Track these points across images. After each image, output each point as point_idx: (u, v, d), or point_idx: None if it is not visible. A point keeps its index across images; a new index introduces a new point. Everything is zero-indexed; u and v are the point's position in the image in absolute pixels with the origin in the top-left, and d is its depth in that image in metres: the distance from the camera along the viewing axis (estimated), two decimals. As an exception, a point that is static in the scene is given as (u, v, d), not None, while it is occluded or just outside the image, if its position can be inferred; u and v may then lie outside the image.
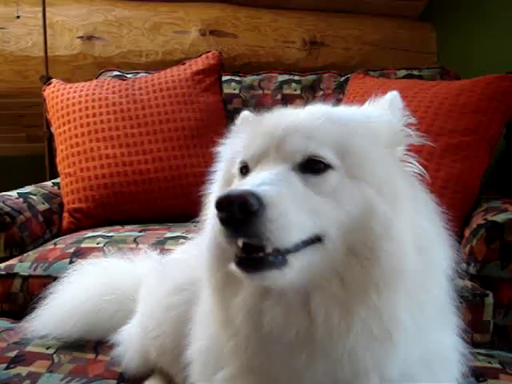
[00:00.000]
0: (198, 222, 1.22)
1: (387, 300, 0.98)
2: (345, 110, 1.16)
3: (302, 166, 1.01)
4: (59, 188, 2.91)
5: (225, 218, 0.91)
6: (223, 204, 0.90)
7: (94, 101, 2.88)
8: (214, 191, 1.18)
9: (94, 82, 3.06)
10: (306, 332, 0.99)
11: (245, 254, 0.94)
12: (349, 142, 1.04)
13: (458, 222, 2.24)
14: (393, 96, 1.18)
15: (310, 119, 1.06)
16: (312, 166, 1.01)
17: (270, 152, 1.03)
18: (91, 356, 1.83)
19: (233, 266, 0.96)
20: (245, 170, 1.08)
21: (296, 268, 0.96)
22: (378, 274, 0.98)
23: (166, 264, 1.69)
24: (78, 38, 3.73)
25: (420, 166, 1.12)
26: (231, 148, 1.17)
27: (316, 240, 0.97)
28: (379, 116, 1.12)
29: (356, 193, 1.00)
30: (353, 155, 1.03)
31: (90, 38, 3.73)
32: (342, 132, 1.05)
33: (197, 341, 1.26)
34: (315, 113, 1.09)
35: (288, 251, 0.94)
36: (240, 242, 0.94)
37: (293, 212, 0.92)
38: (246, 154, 1.08)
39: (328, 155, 1.01)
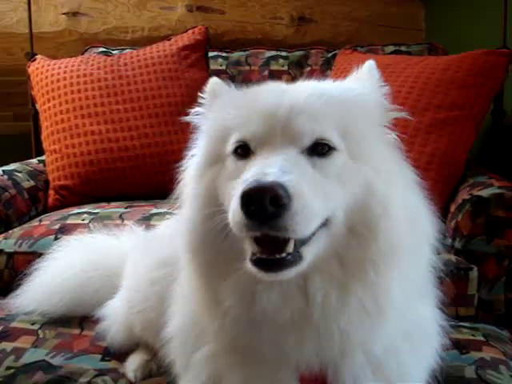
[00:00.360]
0: (177, 198, 1.21)
1: (383, 276, 1.00)
2: (339, 87, 1.15)
3: (309, 149, 1.01)
4: (45, 165, 2.89)
5: (256, 211, 0.87)
6: (254, 197, 0.87)
7: (78, 77, 2.85)
8: (196, 168, 1.13)
9: (79, 57, 3.04)
10: (300, 313, 1.00)
11: (265, 254, 0.93)
12: (349, 123, 1.05)
13: (444, 197, 2.25)
14: (370, 66, 1.20)
15: (312, 99, 1.05)
16: (318, 149, 1.01)
17: (275, 133, 1.01)
18: (76, 331, 1.84)
19: (248, 265, 0.95)
20: (242, 150, 1.04)
21: (309, 259, 0.96)
22: (375, 251, 0.99)
23: (150, 239, 1.69)
24: (63, 14, 3.68)
25: (399, 139, 1.14)
26: (215, 123, 1.13)
27: (323, 224, 0.97)
28: (369, 93, 1.13)
29: (357, 173, 1.01)
30: (353, 136, 1.04)
31: (75, 14, 3.68)
32: (342, 112, 1.05)
33: (176, 318, 1.27)
34: (314, 91, 1.07)
35: (302, 243, 0.94)
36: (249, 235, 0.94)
37: (312, 201, 0.92)
38: (243, 133, 1.03)
39: (333, 137, 1.01)
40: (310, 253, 0.96)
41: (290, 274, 0.94)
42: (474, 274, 1.97)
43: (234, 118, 1.07)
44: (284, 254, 0.92)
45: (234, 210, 0.91)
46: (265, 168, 0.92)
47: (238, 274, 1.01)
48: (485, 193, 2.07)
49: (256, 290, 1.00)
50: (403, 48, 3.25)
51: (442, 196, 2.25)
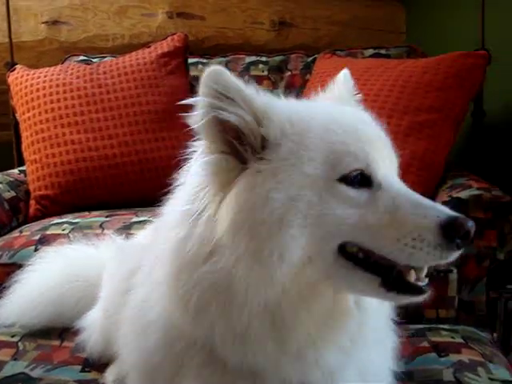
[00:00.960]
0: (162, 205, 1.20)
1: None
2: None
3: None
4: (26, 175, 2.87)
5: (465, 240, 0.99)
6: (469, 228, 0.98)
7: (58, 86, 2.84)
8: (291, 190, 1.00)
9: (59, 67, 3.02)
10: (358, 325, 1.07)
11: (422, 282, 1.02)
12: None
13: (424, 200, 2.25)
14: (344, 74, 1.25)
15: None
16: None
17: (386, 163, 1.06)
18: (56, 343, 1.84)
19: (389, 292, 1.01)
20: (361, 178, 1.01)
21: None
22: None
23: (125, 248, 1.69)
24: (43, 23, 3.65)
25: None
26: (313, 145, 1.02)
27: None
28: None
29: None
30: None
31: (55, 22, 3.66)
32: None
33: (134, 352, 1.22)
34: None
35: None
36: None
37: None
38: (362, 162, 1.01)
39: None
40: None
41: None
42: (454, 276, 1.99)
43: (346, 144, 1.02)
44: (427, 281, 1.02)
45: (429, 241, 0.96)
46: (439, 205, 1.02)
47: (325, 299, 1.03)
48: (463, 194, 2.08)
49: (338, 311, 1.05)
50: (382, 51, 3.26)
51: (422, 199, 2.25)
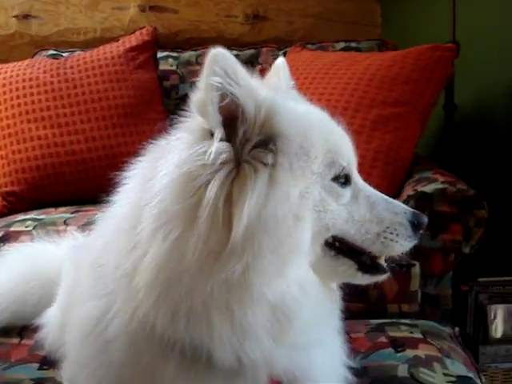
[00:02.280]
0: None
1: None
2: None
3: None
4: (-8, 172, 2.84)
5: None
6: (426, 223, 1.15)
7: (24, 81, 2.80)
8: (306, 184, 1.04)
9: (26, 61, 2.98)
10: (329, 308, 1.16)
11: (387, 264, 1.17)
12: None
13: (390, 194, 2.24)
14: (280, 63, 1.28)
15: None
16: None
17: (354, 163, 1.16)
18: (15, 341, 1.81)
19: (365, 275, 1.15)
20: (344, 179, 1.10)
21: None
22: None
23: (79, 245, 1.67)
24: (14, 16, 3.60)
25: None
26: (319, 142, 1.08)
27: None
28: None
29: None
30: None
31: (26, 16, 3.61)
32: None
33: (97, 372, 1.16)
34: None
35: None
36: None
37: None
38: (346, 160, 1.11)
39: None
40: None
41: None
42: (417, 269, 1.98)
43: (337, 144, 1.11)
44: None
45: (402, 234, 1.12)
46: (398, 203, 1.18)
47: (316, 287, 1.09)
48: (428, 188, 2.08)
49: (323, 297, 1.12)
50: (353, 44, 3.25)
51: (388, 192, 2.23)
